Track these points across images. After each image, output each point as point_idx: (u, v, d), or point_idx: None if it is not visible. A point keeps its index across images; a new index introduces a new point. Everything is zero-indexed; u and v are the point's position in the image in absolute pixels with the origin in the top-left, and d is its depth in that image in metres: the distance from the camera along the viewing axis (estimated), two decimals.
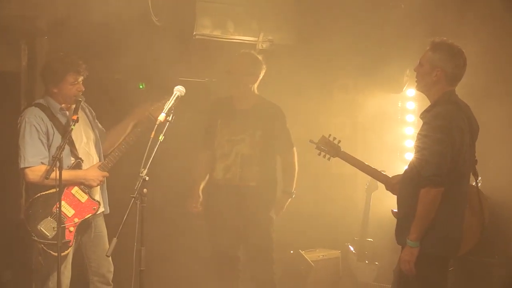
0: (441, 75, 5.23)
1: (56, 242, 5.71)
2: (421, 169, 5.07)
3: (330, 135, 6.18)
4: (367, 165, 6.03)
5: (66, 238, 5.84)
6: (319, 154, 6.22)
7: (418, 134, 5.27)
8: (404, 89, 8.37)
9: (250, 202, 6.59)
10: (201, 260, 7.71)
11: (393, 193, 5.71)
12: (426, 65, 5.28)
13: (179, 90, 5.12)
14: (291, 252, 7.65)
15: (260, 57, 6.76)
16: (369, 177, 7.83)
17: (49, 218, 5.80)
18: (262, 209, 6.65)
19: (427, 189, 5.03)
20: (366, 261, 7.81)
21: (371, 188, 7.88)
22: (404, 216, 5.25)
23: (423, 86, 5.38)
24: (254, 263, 6.74)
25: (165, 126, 4.92)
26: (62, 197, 5.81)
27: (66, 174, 5.74)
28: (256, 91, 6.75)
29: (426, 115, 5.27)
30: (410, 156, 8.50)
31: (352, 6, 7.47)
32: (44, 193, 5.84)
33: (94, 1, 6.53)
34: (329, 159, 6.22)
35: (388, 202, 8.30)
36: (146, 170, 4.76)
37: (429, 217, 5.05)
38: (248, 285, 7.01)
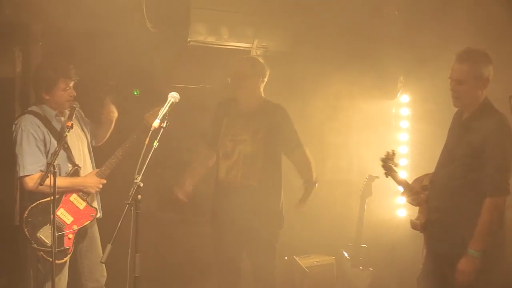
0: (486, 83, 5.21)
1: (56, 249, 5.72)
2: (487, 179, 5.00)
3: (393, 151, 5.99)
4: (406, 181, 5.91)
5: (65, 246, 5.87)
6: (385, 173, 6.00)
7: (471, 142, 5.15)
8: (398, 95, 8.40)
9: (252, 203, 6.53)
10: (197, 266, 7.71)
11: (412, 204, 5.66)
12: (470, 80, 5.20)
13: (173, 96, 5.12)
14: (286, 258, 7.65)
15: (261, 60, 6.75)
16: (363, 183, 7.88)
17: (48, 225, 5.79)
18: (265, 210, 6.57)
19: (495, 198, 4.97)
20: (360, 267, 7.81)
21: (365, 194, 7.88)
22: (456, 225, 5.16)
23: (469, 101, 5.27)
24: (256, 266, 6.71)
25: (159, 133, 4.92)
26: (61, 204, 5.89)
27: (65, 181, 5.78)
28: (262, 93, 6.73)
29: (476, 123, 5.18)
30: (404, 162, 8.56)
31: (347, 14, 7.49)
32: (43, 200, 5.84)
33: (89, 7, 6.54)
34: (387, 176, 6.03)
35: (382, 208, 8.38)
36: (140, 177, 4.76)
37: (496, 225, 5.00)
38: None
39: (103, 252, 4.71)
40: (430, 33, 7.36)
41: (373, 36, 7.70)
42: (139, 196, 4.75)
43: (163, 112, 5.01)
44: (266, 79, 6.71)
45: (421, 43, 7.55)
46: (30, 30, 7.17)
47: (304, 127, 7.33)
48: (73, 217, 5.98)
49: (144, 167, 4.75)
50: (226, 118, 6.73)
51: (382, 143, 8.46)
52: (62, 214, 5.90)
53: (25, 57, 7.24)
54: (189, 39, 7.20)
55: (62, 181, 5.76)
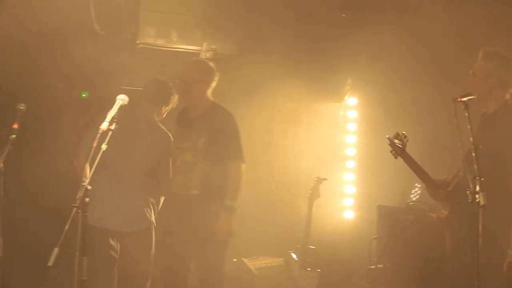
0: (496, 82, 5.36)
1: None
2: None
3: (403, 133, 5.75)
4: (424, 170, 5.71)
5: None
6: (391, 151, 5.72)
7: (490, 140, 5.24)
8: (345, 98, 8.50)
9: (194, 212, 6.38)
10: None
11: (434, 199, 5.67)
12: (480, 74, 5.40)
13: (122, 99, 5.10)
14: (234, 260, 7.65)
15: (211, 64, 6.69)
16: (311, 185, 7.93)
17: None
18: (207, 220, 6.37)
19: None
20: (308, 269, 7.86)
21: (313, 195, 7.92)
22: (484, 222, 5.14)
23: (478, 95, 5.26)
24: (203, 277, 6.53)
25: (107, 135, 4.91)
26: None
27: None
28: (210, 97, 6.62)
29: (496, 122, 5.33)
30: (352, 164, 8.65)
31: (295, 17, 7.55)
32: None
33: (37, 9, 6.49)
34: (396, 157, 5.74)
35: (330, 210, 8.47)
36: (88, 180, 4.74)
37: None
38: None
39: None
40: (379, 37, 7.44)
41: (321, 39, 7.77)
42: (87, 199, 4.73)
43: (112, 115, 4.99)
44: (215, 83, 6.61)
45: (368, 45, 7.64)
46: None
47: (252, 129, 7.38)
48: None
49: (93, 170, 4.75)
50: (177, 125, 6.69)
51: (330, 145, 8.57)
52: None
53: None
54: (138, 42, 7.19)
55: None
